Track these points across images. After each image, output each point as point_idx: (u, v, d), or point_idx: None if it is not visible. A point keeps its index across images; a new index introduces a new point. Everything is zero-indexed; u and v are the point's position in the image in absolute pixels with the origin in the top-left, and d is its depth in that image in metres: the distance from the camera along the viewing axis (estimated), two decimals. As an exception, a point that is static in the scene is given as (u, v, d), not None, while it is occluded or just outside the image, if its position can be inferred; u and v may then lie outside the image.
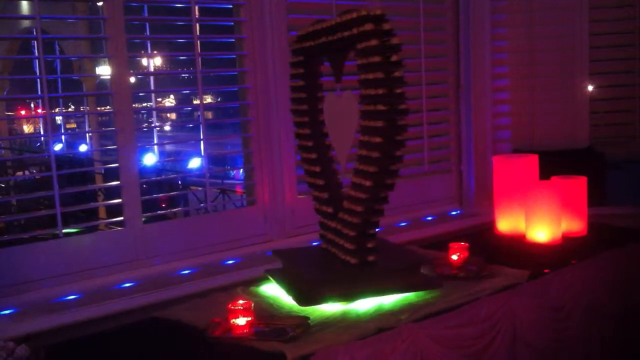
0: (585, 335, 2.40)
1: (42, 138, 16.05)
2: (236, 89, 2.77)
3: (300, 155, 2.42)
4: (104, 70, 2.48)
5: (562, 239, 2.84)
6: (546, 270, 2.40)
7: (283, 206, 2.78)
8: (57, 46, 10.72)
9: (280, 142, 2.74)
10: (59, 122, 13.52)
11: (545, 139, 3.50)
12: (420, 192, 3.37)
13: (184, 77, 2.87)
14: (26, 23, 10.44)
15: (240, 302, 1.86)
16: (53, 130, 2.22)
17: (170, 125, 19.00)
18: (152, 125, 5.65)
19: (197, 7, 2.53)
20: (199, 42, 2.53)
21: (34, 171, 9.28)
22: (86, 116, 13.04)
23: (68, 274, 2.23)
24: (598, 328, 2.45)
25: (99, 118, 13.54)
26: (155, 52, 2.82)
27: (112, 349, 1.88)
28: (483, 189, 3.43)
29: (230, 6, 2.71)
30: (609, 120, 3.56)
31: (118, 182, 2.38)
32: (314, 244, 2.67)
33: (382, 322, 1.89)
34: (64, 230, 2.23)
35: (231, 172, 13.04)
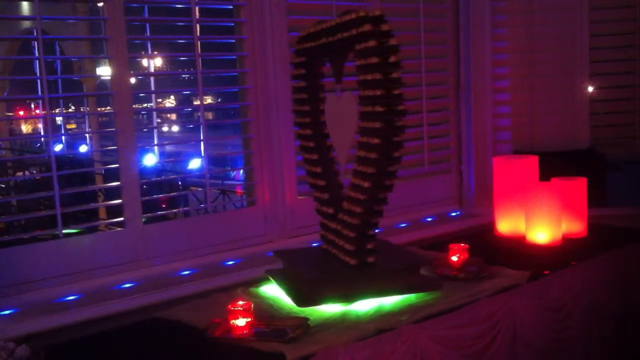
0: (585, 336, 2.40)
1: (42, 138, 16.05)
2: (236, 89, 2.77)
3: (302, 155, 2.42)
4: (105, 71, 2.48)
5: (562, 240, 2.84)
6: (546, 272, 2.40)
7: (283, 207, 2.78)
8: (57, 47, 10.73)
9: (280, 143, 2.75)
10: (59, 122, 13.53)
11: (545, 140, 3.49)
12: (420, 193, 3.37)
13: (184, 77, 2.87)
14: (27, 24, 10.45)
15: (240, 302, 1.86)
16: (53, 130, 2.22)
17: (179, 125, 18.95)
18: (158, 125, 5.64)
19: (197, 8, 2.53)
20: (199, 42, 2.53)
21: (34, 171, 9.28)
22: (86, 117, 13.05)
23: (68, 275, 2.23)
24: (598, 328, 2.45)
25: (99, 119, 13.54)
26: (155, 52, 2.82)
27: (112, 349, 1.88)
28: (483, 190, 3.43)
29: (231, 7, 2.71)
30: (609, 121, 3.55)
31: (118, 183, 2.38)
32: (314, 244, 2.67)
33: (382, 323, 1.89)
34: (64, 231, 2.23)
35: (231, 172, 13.05)
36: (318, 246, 2.41)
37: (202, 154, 2.64)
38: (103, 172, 7.90)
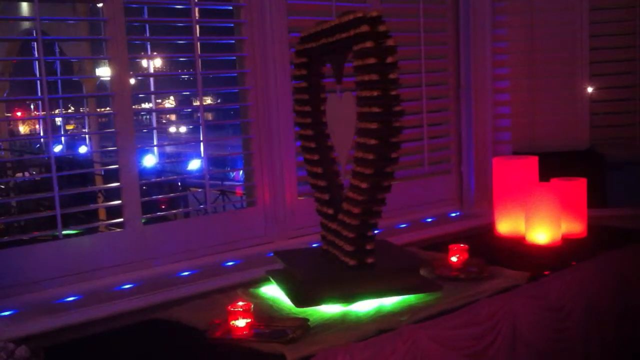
0: (585, 336, 2.40)
1: (42, 139, 16.05)
2: (236, 90, 2.77)
3: (303, 156, 2.42)
4: (104, 72, 2.48)
5: (562, 240, 2.84)
6: (546, 272, 2.40)
7: (283, 207, 2.78)
8: (57, 47, 10.73)
9: (280, 144, 2.75)
10: (58, 123, 13.53)
11: (545, 141, 3.50)
12: (420, 194, 3.37)
13: (184, 78, 2.87)
14: (26, 24, 10.46)
15: (240, 303, 1.86)
16: (53, 131, 2.22)
17: (186, 126, 18.91)
18: (164, 126, 5.65)
19: (197, 9, 2.53)
20: (199, 43, 2.53)
21: (34, 172, 9.28)
22: (86, 117, 13.05)
23: (68, 275, 2.23)
24: (598, 328, 2.45)
25: (99, 119, 13.54)
26: (155, 53, 2.82)
27: (112, 350, 1.88)
28: (483, 191, 3.43)
29: (231, 8, 2.71)
30: (609, 122, 3.56)
31: (118, 184, 2.38)
32: (314, 245, 2.67)
33: (382, 323, 1.89)
34: (64, 232, 2.23)
35: (231, 173, 13.05)
36: (318, 247, 2.41)
37: (202, 155, 2.64)
38: (103, 172, 7.91)
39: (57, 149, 10.22)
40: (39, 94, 2.22)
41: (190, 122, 17.08)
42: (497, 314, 2.06)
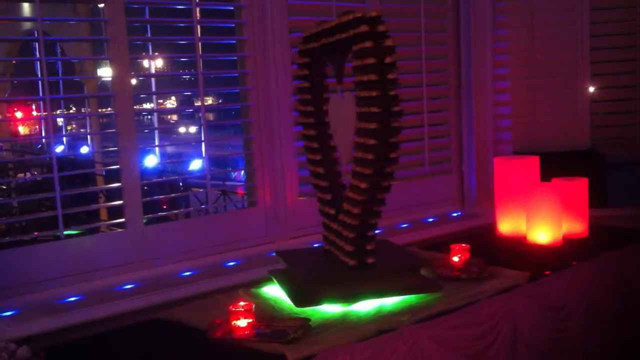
0: (586, 336, 2.40)
1: (43, 140, 16.04)
2: (237, 90, 2.77)
3: (306, 156, 2.42)
4: (105, 72, 2.48)
5: (563, 240, 2.84)
6: (547, 272, 2.40)
7: (284, 207, 2.78)
8: (58, 48, 10.73)
9: (281, 144, 2.75)
10: (60, 123, 13.53)
11: (546, 141, 3.50)
12: (421, 194, 3.37)
13: (185, 78, 2.87)
14: (28, 25, 10.46)
15: (241, 303, 1.86)
16: (54, 132, 2.22)
17: (195, 126, 18.84)
18: (174, 126, 5.65)
19: (198, 9, 2.53)
20: (200, 43, 2.53)
21: (36, 173, 9.28)
22: (87, 118, 13.06)
23: (69, 276, 2.23)
24: (598, 328, 2.45)
25: (100, 120, 13.55)
26: (156, 53, 2.83)
27: (113, 350, 1.89)
28: (484, 190, 3.43)
29: (232, 8, 2.72)
30: (609, 122, 3.55)
31: (119, 184, 2.38)
32: (315, 245, 2.67)
33: (383, 323, 1.89)
34: (65, 232, 2.23)
35: (232, 173, 13.05)
36: (320, 247, 2.42)
37: (203, 155, 2.64)
38: (104, 173, 7.91)
39: (59, 149, 10.22)
40: (41, 94, 2.22)
41: (191, 122, 17.06)
42: (497, 314, 2.07)
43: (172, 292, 2.29)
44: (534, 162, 3.00)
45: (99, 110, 11.41)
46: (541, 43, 3.48)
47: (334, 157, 2.33)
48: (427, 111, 3.35)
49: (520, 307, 2.15)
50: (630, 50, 3.45)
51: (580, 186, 2.93)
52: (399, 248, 2.47)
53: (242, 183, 10.21)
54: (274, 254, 2.58)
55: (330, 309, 2.02)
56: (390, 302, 2.07)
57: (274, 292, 2.26)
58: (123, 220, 2.39)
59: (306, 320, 1.89)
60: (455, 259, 2.42)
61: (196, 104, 2.73)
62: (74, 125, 20.48)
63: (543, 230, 2.82)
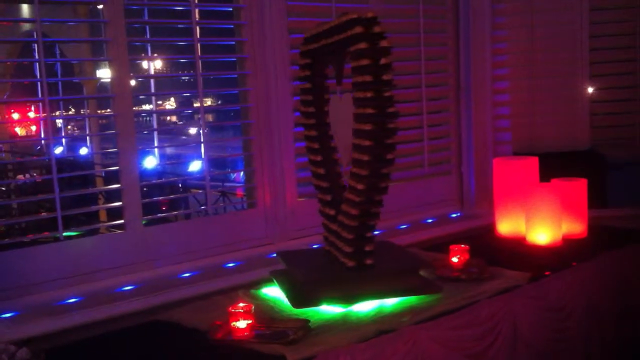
0: (586, 336, 2.40)
1: (42, 141, 16.01)
2: (236, 91, 2.77)
3: (307, 156, 2.42)
4: (105, 73, 2.48)
5: (563, 241, 2.84)
6: (547, 272, 2.40)
7: (284, 208, 2.78)
8: (57, 49, 10.72)
9: (280, 145, 2.75)
10: (59, 125, 13.51)
11: (545, 141, 3.50)
12: (420, 194, 3.37)
13: (185, 79, 2.87)
14: (27, 26, 10.45)
15: (241, 304, 1.86)
16: (53, 133, 2.22)
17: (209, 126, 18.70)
18: (185, 126, 5.65)
19: (197, 10, 2.53)
20: (199, 44, 2.53)
21: (35, 174, 9.27)
22: (87, 119, 13.04)
23: (69, 277, 2.23)
24: (598, 329, 2.45)
25: (100, 121, 13.54)
26: (155, 55, 2.82)
27: (113, 352, 1.89)
28: (483, 191, 3.43)
29: (231, 9, 2.72)
30: (609, 122, 3.55)
31: (118, 185, 2.38)
32: (315, 246, 2.67)
33: (383, 324, 1.89)
34: (64, 233, 2.23)
35: (232, 174, 13.03)
36: (321, 248, 2.41)
37: (203, 156, 2.64)
38: (103, 174, 7.91)
39: (58, 150, 10.21)
40: (40, 95, 2.22)
41: (191, 123, 17.05)
42: (497, 315, 2.07)
43: (172, 293, 2.29)
44: (533, 162, 3.00)
45: (98, 111, 11.42)
46: (540, 43, 3.48)
47: (335, 158, 2.33)
48: (426, 112, 3.35)
49: (520, 308, 2.15)
50: (629, 50, 3.45)
51: (579, 187, 2.93)
52: (400, 249, 2.47)
53: (241, 184, 10.21)
54: (273, 255, 2.59)
55: (330, 310, 2.02)
56: (391, 302, 2.07)
57: (274, 293, 2.26)
58: (122, 221, 2.38)
59: (306, 321, 1.89)
60: (455, 259, 2.42)
61: (195, 105, 2.73)
62: (76, 130, 20.48)
63: (542, 231, 2.82)
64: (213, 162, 2.73)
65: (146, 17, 2.51)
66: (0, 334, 1.88)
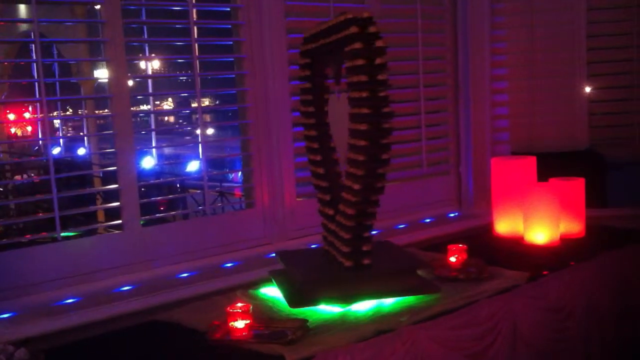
0: (586, 336, 2.40)
1: (40, 142, 15.99)
2: (234, 91, 2.77)
3: (307, 156, 2.42)
4: (102, 74, 2.48)
5: (561, 240, 2.84)
6: (545, 272, 2.40)
7: (282, 208, 2.78)
8: (55, 50, 10.71)
9: (279, 145, 2.75)
10: (57, 125, 13.50)
11: (544, 141, 3.50)
12: (418, 194, 3.37)
13: (182, 79, 2.87)
14: (24, 27, 10.43)
15: (239, 304, 1.86)
16: (51, 133, 2.22)
17: (214, 128, 18.64)
18: (191, 127, 5.64)
19: (195, 10, 2.53)
20: (197, 44, 2.53)
21: (33, 175, 9.25)
22: (84, 119, 13.04)
23: (67, 277, 2.22)
24: (598, 328, 2.45)
25: (97, 121, 13.53)
26: (153, 55, 2.82)
27: (112, 352, 1.88)
28: (482, 191, 3.43)
29: (228, 9, 2.71)
30: (607, 122, 3.56)
31: (116, 185, 2.38)
32: (313, 246, 2.67)
33: (382, 324, 1.89)
34: (62, 234, 2.22)
35: (230, 174, 13.03)
36: (321, 248, 2.41)
37: (201, 156, 2.64)
38: (101, 174, 7.90)
39: (56, 151, 10.19)
40: (37, 96, 2.21)
41: (189, 124, 17.04)
42: (497, 315, 2.07)
43: (170, 293, 2.29)
44: (531, 162, 3.00)
45: (96, 111, 11.40)
46: (539, 43, 3.48)
47: (334, 157, 2.33)
48: (424, 112, 3.35)
49: (520, 308, 2.15)
50: (627, 50, 3.45)
51: (577, 186, 2.93)
52: (398, 249, 2.47)
53: (239, 184, 10.21)
54: (272, 255, 2.59)
55: (329, 310, 2.01)
56: (389, 302, 2.07)
57: (273, 293, 2.25)
58: (120, 221, 2.38)
59: (304, 321, 1.89)
60: (453, 259, 2.42)
61: (193, 105, 2.72)
62: (70, 130, 20.46)
63: (540, 231, 2.82)
64: (211, 162, 2.73)
65: (144, 17, 2.51)
66: (-1, 334, 1.88)
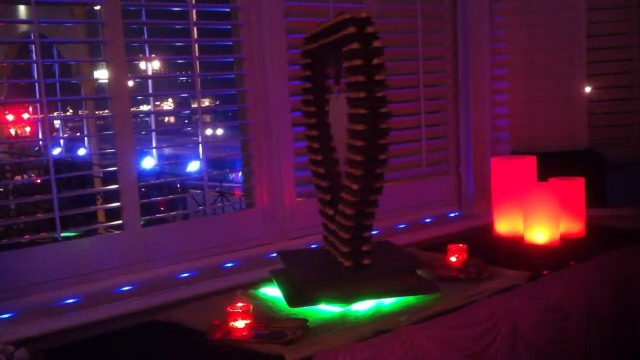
0: (586, 336, 2.41)
1: (40, 142, 15.97)
2: (234, 92, 2.77)
3: (308, 156, 2.42)
4: (102, 74, 2.48)
5: (561, 240, 2.85)
6: (545, 272, 2.40)
7: (282, 208, 2.78)
8: (55, 50, 10.71)
9: (278, 145, 2.75)
10: (57, 126, 13.51)
11: (543, 141, 3.50)
12: (418, 194, 3.37)
13: (182, 80, 2.87)
14: (24, 27, 10.44)
15: (239, 304, 1.86)
16: (52, 134, 2.22)
17: (222, 128, 18.55)
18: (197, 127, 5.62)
19: (194, 11, 2.53)
20: (196, 45, 2.53)
21: (33, 175, 9.26)
22: (84, 120, 13.06)
23: (67, 278, 2.23)
24: (598, 328, 2.45)
25: (98, 122, 13.55)
26: (153, 55, 2.82)
27: (112, 352, 1.88)
28: (482, 191, 3.43)
29: (228, 10, 2.72)
30: (607, 122, 3.56)
31: (117, 186, 2.38)
32: (313, 246, 2.67)
33: (381, 324, 1.89)
34: (62, 234, 2.23)
35: (230, 175, 13.04)
36: (321, 247, 2.41)
37: (201, 156, 2.64)
38: (101, 175, 7.90)
39: (56, 151, 10.18)
40: (37, 96, 2.21)
41: (188, 123, 17.06)
42: (496, 314, 2.07)
43: (170, 293, 2.29)
44: (531, 162, 3.00)
45: (96, 112, 11.41)
46: (539, 43, 3.48)
47: (335, 157, 2.33)
48: (424, 112, 3.35)
49: (520, 307, 2.15)
50: (627, 50, 3.45)
51: (577, 186, 2.93)
52: (399, 249, 2.47)
53: (239, 184, 10.21)
54: (272, 255, 2.59)
55: (328, 310, 2.02)
56: (389, 302, 2.07)
57: (273, 293, 2.26)
58: (121, 222, 2.38)
59: (304, 321, 1.89)
60: (453, 259, 2.42)
61: (193, 106, 2.72)
62: (68, 131, 20.48)
63: (540, 230, 2.82)
64: (211, 163, 2.73)
65: (144, 18, 2.51)
66: (-1, 334, 1.88)
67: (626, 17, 3.44)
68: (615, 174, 3.40)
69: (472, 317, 2.01)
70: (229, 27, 2.73)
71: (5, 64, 11.38)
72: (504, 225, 3.04)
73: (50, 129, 2.26)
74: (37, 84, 2.19)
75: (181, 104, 21.64)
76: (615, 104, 3.56)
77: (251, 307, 1.87)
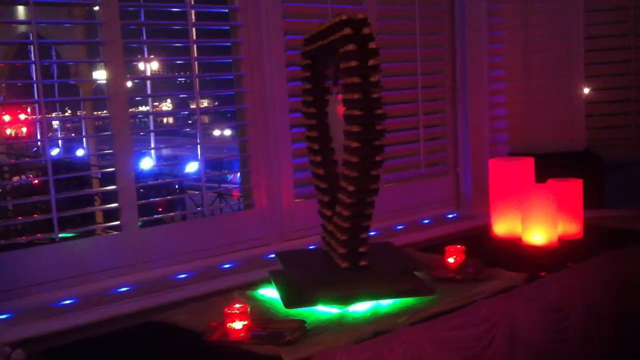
0: (585, 336, 2.41)
1: (39, 143, 15.93)
2: (232, 93, 2.77)
3: (308, 157, 2.42)
4: (101, 75, 2.48)
5: (558, 241, 2.85)
6: (543, 273, 2.40)
7: (280, 209, 2.78)
8: (53, 51, 10.70)
9: (277, 146, 2.75)
10: (55, 126, 13.50)
11: (541, 142, 3.50)
12: (416, 195, 3.37)
13: (181, 81, 2.87)
14: (22, 28, 10.44)
15: (237, 305, 1.86)
16: (50, 135, 2.22)
17: (221, 129, 18.46)
18: (199, 128, 5.64)
19: (193, 12, 2.53)
20: (195, 46, 2.53)
21: (31, 176, 9.24)
22: (82, 121, 13.05)
23: (64, 279, 2.22)
24: (598, 329, 2.45)
25: (96, 122, 13.54)
26: (151, 56, 2.83)
27: (110, 353, 1.89)
28: (480, 192, 3.43)
29: (227, 10, 2.72)
30: (605, 123, 3.56)
31: (114, 187, 2.38)
32: (311, 247, 2.67)
33: (379, 325, 1.89)
34: (60, 235, 2.22)
35: (228, 175, 13.04)
36: (320, 248, 2.41)
37: (199, 157, 2.64)
38: (99, 175, 7.89)
39: (54, 152, 10.18)
40: (36, 97, 2.21)
41: (186, 124, 17.04)
42: (495, 315, 2.07)
43: (168, 294, 2.28)
44: (529, 163, 3.00)
45: (94, 112, 11.40)
46: (537, 44, 3.49)
47: (334, 159, 2.33)
48: (422, 113, 3.35)
49: (518, 308, 2.15)
50: (624, 51, 3.45)
51: (575, 187, 2.93)
52: (397, 250, 2.46)
53: (237, 185, 10.20)
54: (270, 256, 2.59)
55: (326, 311, 2.02)
56: (387, 303, 2.07)
57: (270, 294, 2.26)
58: (118, 222, 2.38)
59: (302, 322, 1.89)
60: (451, 260, 2.42)
61: (192, 107, 2.72)
62: (64, 131, 20.46)
63: (538, 232, 2.82)
64: (209, 163, 2.73)
65: (142, 19, 2.51)
66: (-4, 335, 1.88)
67: (624, 18, 3.44)
68: (613, 175, 3.40)
69: (470, 318, 2.01)
70: (228, 28, 2.73)
71: (3, 64, 11.36)
72: (502, 226, 3.04)
73: (48, 130, 2.26)
74: (35, 84, 2.19)
75: (179, 105, 21.62)
76: (613, 105, 3.57)
77: (249, 308, 1.87)
